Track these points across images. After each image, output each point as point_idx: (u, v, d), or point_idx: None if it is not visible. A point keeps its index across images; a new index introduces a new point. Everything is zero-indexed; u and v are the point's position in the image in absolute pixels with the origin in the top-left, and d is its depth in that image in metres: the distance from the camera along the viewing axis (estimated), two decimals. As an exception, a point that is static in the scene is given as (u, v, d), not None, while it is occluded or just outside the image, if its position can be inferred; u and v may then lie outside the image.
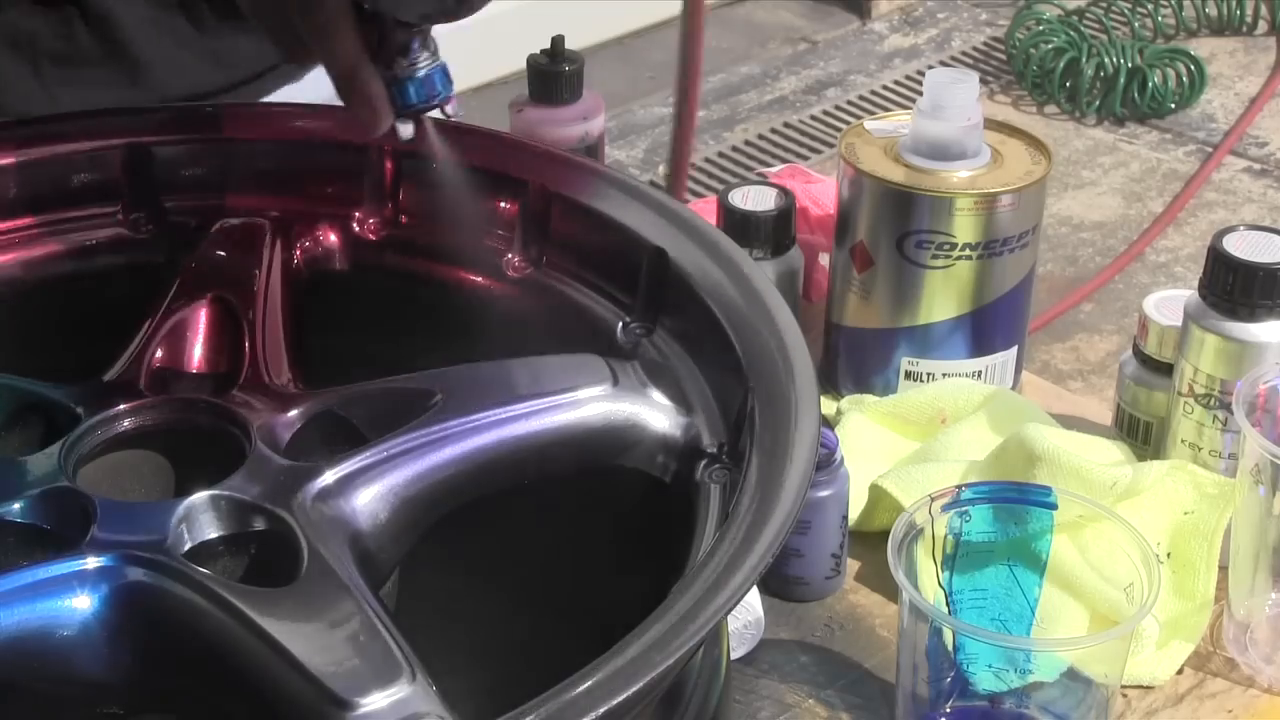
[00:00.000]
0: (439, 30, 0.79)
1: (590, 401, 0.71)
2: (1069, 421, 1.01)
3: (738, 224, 1.03)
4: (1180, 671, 0.87)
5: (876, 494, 0.95)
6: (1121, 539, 0.80)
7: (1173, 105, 1.58)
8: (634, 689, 0.53)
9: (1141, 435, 0.99)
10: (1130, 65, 1.56)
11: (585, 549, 0.75)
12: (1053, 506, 0.82)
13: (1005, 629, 0.82)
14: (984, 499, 0.81)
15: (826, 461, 0.89)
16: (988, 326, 1.04)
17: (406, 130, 0.80)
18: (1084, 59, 1.58)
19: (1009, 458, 0.92)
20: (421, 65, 0.79)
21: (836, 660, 0.88)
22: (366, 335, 0.83)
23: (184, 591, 0.62)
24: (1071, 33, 1.61)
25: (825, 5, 1.85)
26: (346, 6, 0.76)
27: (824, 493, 0.89)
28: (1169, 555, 0.91)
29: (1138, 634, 0.85)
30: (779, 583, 0.91)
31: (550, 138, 1.04)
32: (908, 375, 1.04)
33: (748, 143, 1.55)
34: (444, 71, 0.80)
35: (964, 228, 1.00)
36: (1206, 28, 1.75)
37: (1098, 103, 1.57)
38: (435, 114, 0.79)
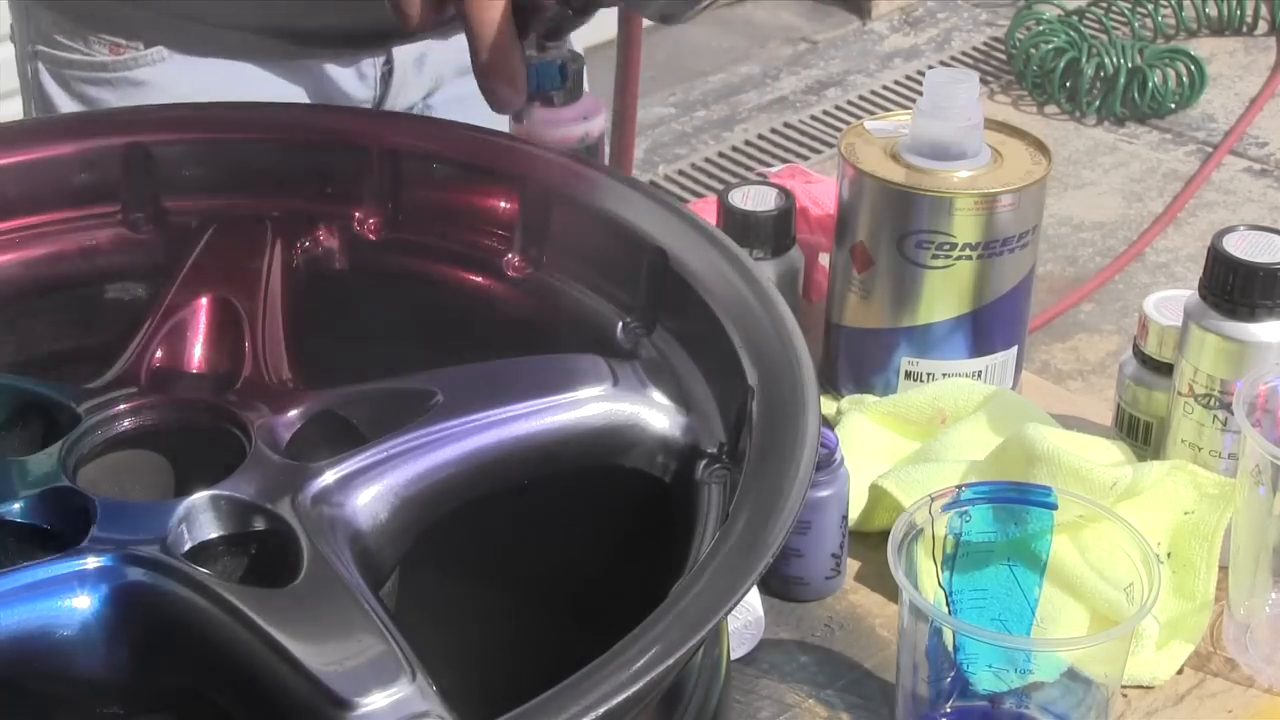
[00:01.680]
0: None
1: (590, 401, 0.71)
2: (1069, 421, 1.01)
3: (738, 224, 1.03)
4: (1180, 671, 0.87)
5: (876, 494, 0.95)
6: (1121, 539, 0.80)
7: (1173, 105, 1.58)
8: (634, 689, 0.53)
9: (1141, 435, 0.99)
10: (1130, 65, 1.56)
11: (585, 549, 0.75)
12: (1053, 506, 0.82)
13: (1005, 629, 0.82)
14: (984, 499, 0.81)
15: (826, 461, 0.89)
16: (988, 326, 1.04)
17: (534, 113, 0.81)
18: (1084, 59, 1.58)
19: (1009, 458, 0.92)
20: (563, 49, 0.78)
21: (836, 660, 0.88)
22: (366, 335, 0.83)
23: (184, 591, 0.62)
24: (1071, 33, 1.61)
25: (825, 5, 1.84)
26: None
27: (824, 493, 0.89)
28: (1169, 555, 0.91)
29: (1138, 634, 0.85)
30: (779, 583, 0.91)
31: (550, 138, 1.04)
32: (908, 375, 1.04)
33: (748, 143, 1.55)
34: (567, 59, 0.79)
35: (964, 228, 1.00)
36: (1206, 28, 1.75)
37: (1098, 103, 1.57)
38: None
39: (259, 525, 0.65)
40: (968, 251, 1.00)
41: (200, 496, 0.65)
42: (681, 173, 1.46)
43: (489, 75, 0.75)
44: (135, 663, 0.62)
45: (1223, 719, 0.85)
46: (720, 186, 1.35)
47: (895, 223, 1.01)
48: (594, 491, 0.73)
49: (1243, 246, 0.90)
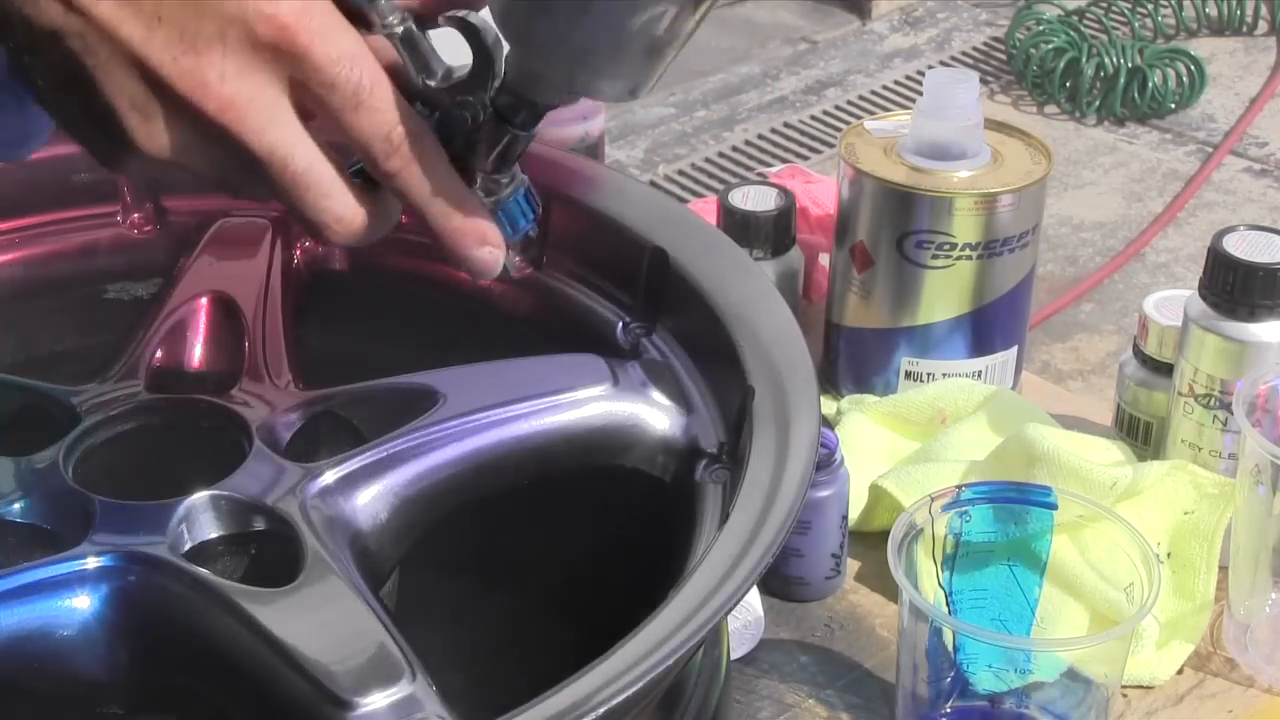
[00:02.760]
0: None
1: (590, 401, 0.71)
2: (1069, 421, 1.01)
3: (738, 224, 1.03)
4: (1180, 671, 0.87)
5: (876, 494, 0.95)
6: (1121, 539, 0.80)
7: (1173, 105, 1.57)
8: (634, 689, 0.53)
9: (1141, 435, 0.99)
10: (1130, 65, 1.56)
11: (585, 549, 0.75)
12: (1053, 506, 0.82)
13: (1005, 629, 0.82)
14: (984, 499, 0.81)
15: (826, 461, 0.89)
16: (988, 326, 1.03)
17: (515, 262, 0.65)
18: (1084, 59, 1.57)
19: (1009, 458, 0.92)
20: (518, 174, 0.60)
21: (836, 660, 0.88)
22: (366, 335, 0.83)
23: (184, 591, 0.62)
24: (1071, 33, 1.61)
25: (825, 5, 1.84)
26: (419, 116, 0.57)
27: (824, 493, 0.89)
28: (1169, 555, 0.91)
29: (1138, 634, 0.85)
30: (779, 583, 0.91)
31: (550, 138, 1.03)
32: (908, 375, 1.04)
33: (748, 143, 1.55)
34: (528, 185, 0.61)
35: (964, 228, 1.00)
36: (1206, 28, 1.75)
37: (1098, 103, 1.57)
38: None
39: (259, 525, 0.65)
40: (968, 251, 1.00)
41: (200, 496, 0.65)
42: (681, 173, 1.46)
43: (460, 245, 0.60)
44: (135, 663, 0.62)
45: (1223, 719, 0.85)
46: (720, 186, 1.35)
47: (895, 223, 1.01)
48: (594, 491, 0.73)
49: (1243, 246, 0.90)
